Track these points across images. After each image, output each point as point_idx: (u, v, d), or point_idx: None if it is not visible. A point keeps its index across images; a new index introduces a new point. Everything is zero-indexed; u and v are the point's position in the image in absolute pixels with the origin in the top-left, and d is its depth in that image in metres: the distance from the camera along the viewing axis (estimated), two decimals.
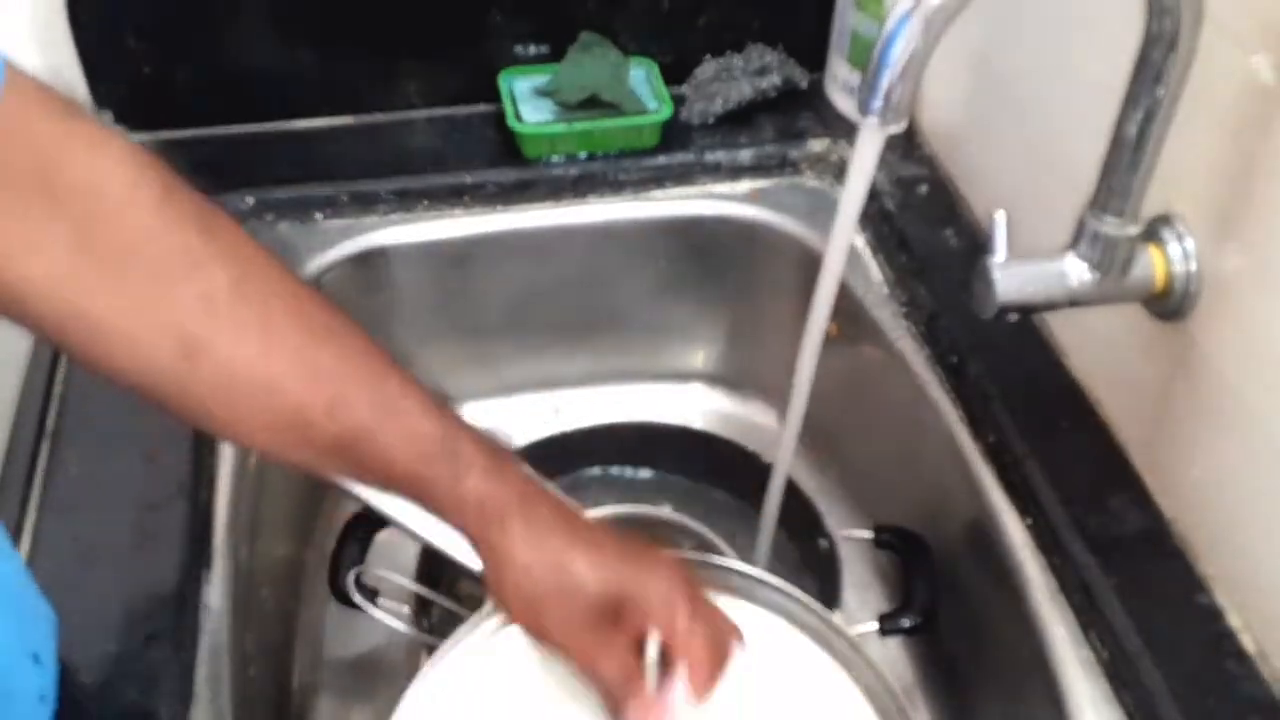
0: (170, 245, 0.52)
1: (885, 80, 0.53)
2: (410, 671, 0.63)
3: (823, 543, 0.87)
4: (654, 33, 1.02)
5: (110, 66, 0.94)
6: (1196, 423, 0.68)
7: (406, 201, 0.96)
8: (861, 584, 0.93)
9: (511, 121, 0.97)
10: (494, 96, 1.00)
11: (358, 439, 0.56)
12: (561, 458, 0.93)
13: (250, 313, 0.54)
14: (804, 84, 1.03)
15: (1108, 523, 0.71)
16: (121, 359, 0.52)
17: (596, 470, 0.98)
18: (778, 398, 1.01)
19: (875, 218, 0.95)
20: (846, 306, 0.88)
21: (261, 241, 0.56)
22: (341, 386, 0.56)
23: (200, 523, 0.73)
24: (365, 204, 0.95)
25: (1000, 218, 0.66)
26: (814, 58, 1.03)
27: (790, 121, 1.02)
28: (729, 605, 0.60)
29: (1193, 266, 0.66)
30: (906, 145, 0.99)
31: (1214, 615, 0.66)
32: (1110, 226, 0.64)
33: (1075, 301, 0.67)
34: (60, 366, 0.80)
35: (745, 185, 1.00)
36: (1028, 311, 0.69)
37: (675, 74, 1.02)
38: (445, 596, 0.81)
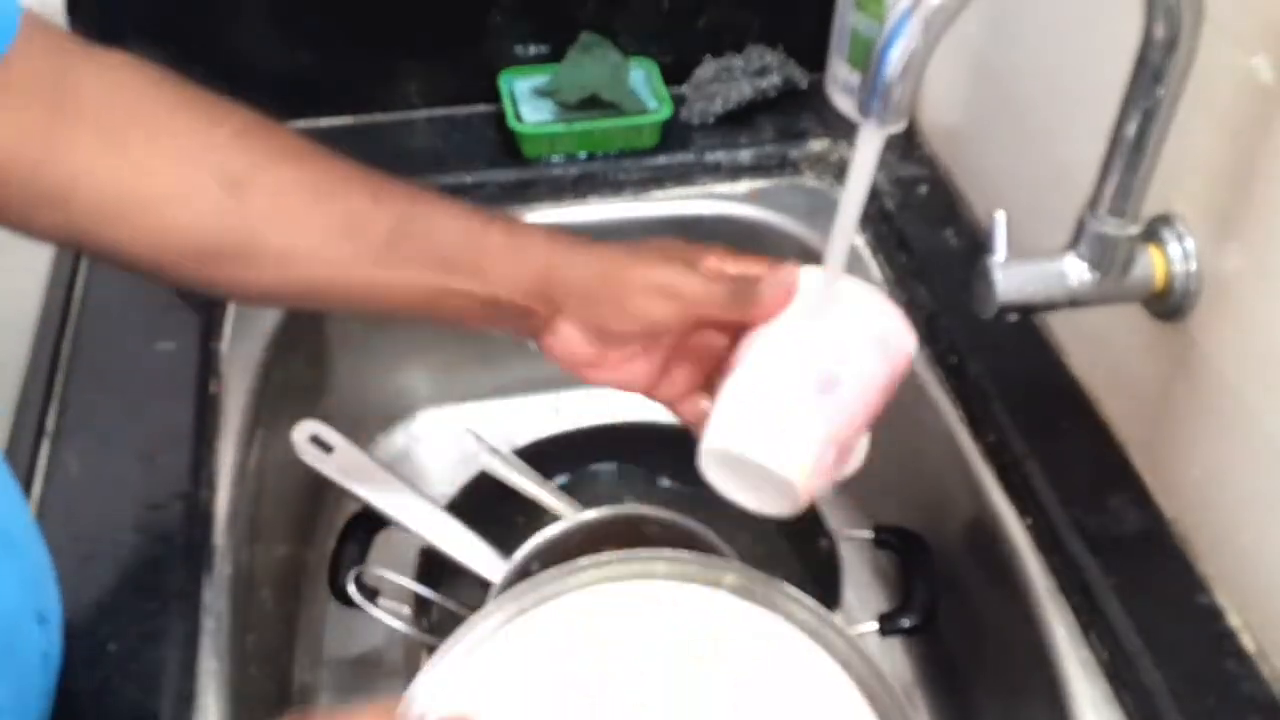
0: (191, 113, 0.57)
1: (885, 80, 0.53)
2: (410, 671, 0.63)
3: (823, 543, 0.87)
4: (654, 33, 1.02)
5: None
6: (1196, 423, 0.68)
7: None
8: (861, 584, 0.93)
9: (511, 121, 0.97)
10: (494, 96, 1.00)
11: (412, 220, 0.59)
12: (561, 457, 0.93)
13: (278, 141, 0.58)
14: (804, 84, 1.03)
15: (1108, 523, 0.71)
16: (172, 218, 0.55)
17: (596, 470, 0.98)
18: None
19: (875, 218, 0.95)
20: None
21: None
22: (378, 182, 0.60)
23: (200, 523, 0.73)
24: None
25: (1000, 218, 0.66)
26: (814, 58, 1.03)
27: (790, 121, 1.02)
28: (730, 605, 0.60)
29: (1193, 266, 0.66)
30: (906, 145, 0.99)
31: (1214, 615, 0.66)
32: (1110, 226, 0.64)
33: (1075, 301, 0.67)
34: (60, 367, 0.80)
35: (745, 185, 1.00)
36: (1028, 311, 0.69)
37: (675, 74, 1.02)
38: (445, 596, 0.81)
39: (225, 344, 0.85)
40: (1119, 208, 0.63)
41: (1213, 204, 0.64)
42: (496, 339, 1.04)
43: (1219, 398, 0.66)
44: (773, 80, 1.01)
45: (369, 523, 0.80)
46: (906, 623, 0.78)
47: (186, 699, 0.64)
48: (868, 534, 0.84)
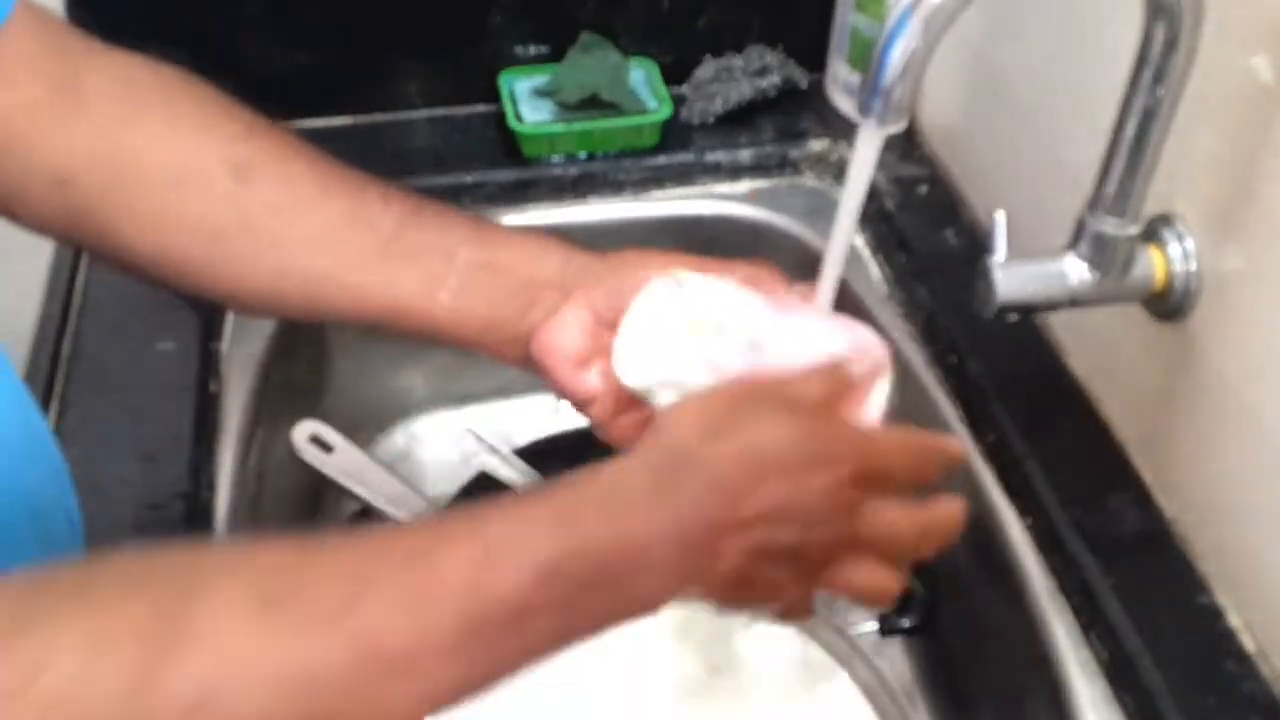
0: (202, 104, 0.58)
1: (885, 80, 0.53)
2: None
3: None
4: (654, 33, 1.02)
5: None
6: (1196, 422, 0.68)
7: None
8: None
9: (511, 121, 0.97)
10: (494, 96, 1.00)
11: (420, 213, 0.60)
12: (561, 457, 0.93)
13: (288, 139, 0.59)
14: (804, 84, 1.03)
15: (1107, 522, 0.71)
16: (176, 202, 0.56)
17: None
18: None
19: (875, 218, 0.95)
20: (846, 306, 0.88)
21: None
22: (385, 185, 0.61)
23: (200, 523, 0.73)
24: None
25: (1000, 218, 0.66)
26: (814, 58, 1.03)
27: (790, 121, 1.02)
28: None
29: (1193, 266, 0.66)
30: (906, 145, 0.99)
31: (1214, 615, 0.66)
32: (1110, 226, 0.64)
33: (1075, 301, 0.67)
34: (60, 367, 0.80)
35: (745, 185, 1.00)
36: (1028, 311, 0.69)
37: (675, 74, 1.02)
38: None
39: (225, 344, 0.85)
40: (1119, 208, 0.63)
41: (1213, 204, 0.64)
42: None
43: (1219, 397, 0.66)
44: (773, 80, 1.01)
45: (369, 522, 0.80)
46: (906, 623, 0.78)
47: None
48: None
